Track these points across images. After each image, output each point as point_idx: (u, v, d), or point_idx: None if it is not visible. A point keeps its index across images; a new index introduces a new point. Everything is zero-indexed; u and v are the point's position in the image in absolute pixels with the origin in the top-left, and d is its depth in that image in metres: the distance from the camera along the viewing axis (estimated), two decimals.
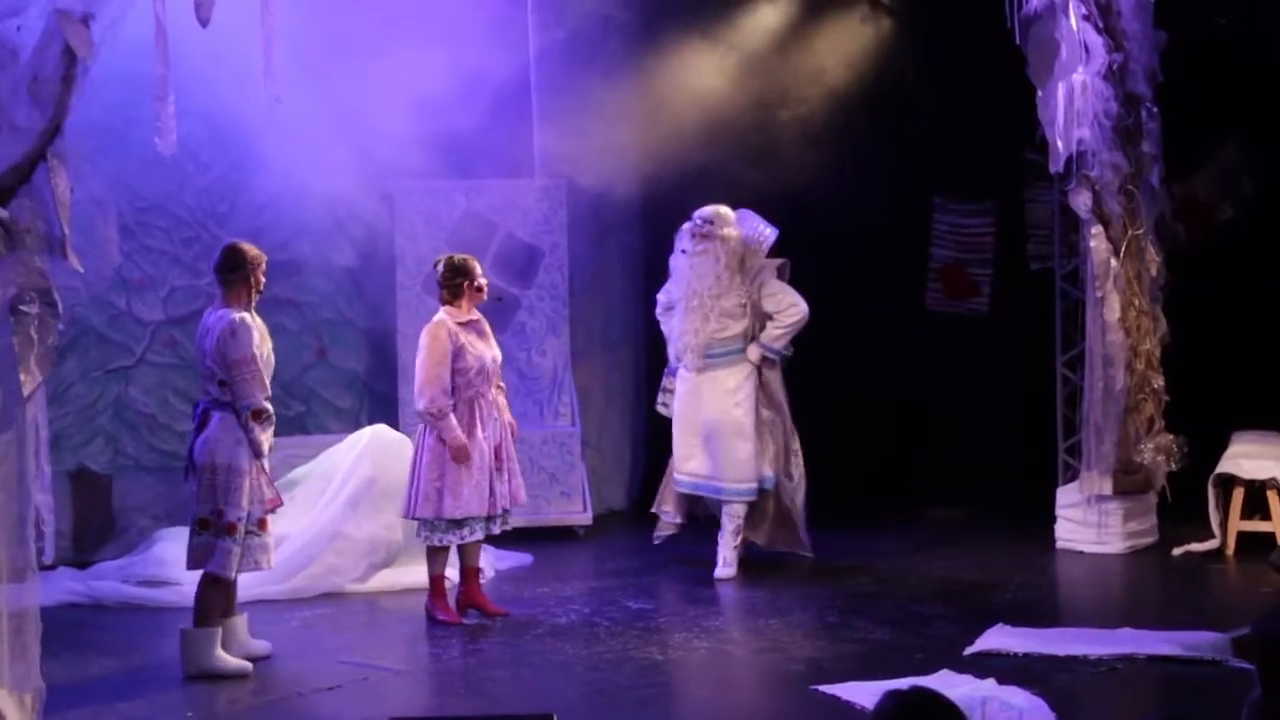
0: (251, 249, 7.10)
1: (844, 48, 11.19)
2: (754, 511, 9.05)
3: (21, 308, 4.98)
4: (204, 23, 5.25)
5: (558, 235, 10.74)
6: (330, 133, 9.59)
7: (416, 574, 8.55)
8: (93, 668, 6.99)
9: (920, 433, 11.84)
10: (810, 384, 11.39)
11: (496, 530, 8.08)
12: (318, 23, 8.95)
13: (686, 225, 9.08)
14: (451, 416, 7.77)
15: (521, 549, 9.78)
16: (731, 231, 8.97)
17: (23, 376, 5.04)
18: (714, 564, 8.90)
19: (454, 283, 7.98)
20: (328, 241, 10.36)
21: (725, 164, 10.70)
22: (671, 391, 9.22)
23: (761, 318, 9.03)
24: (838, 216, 11.34)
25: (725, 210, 9.05)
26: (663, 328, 9.35)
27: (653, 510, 9.35)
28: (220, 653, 6.85)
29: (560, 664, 7.13)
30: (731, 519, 8.93)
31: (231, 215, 10.20)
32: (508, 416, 8.17)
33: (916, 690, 3.39)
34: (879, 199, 11.38)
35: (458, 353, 7.83)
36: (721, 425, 8.91)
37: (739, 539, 8.95)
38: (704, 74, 10.77)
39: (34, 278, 4.98)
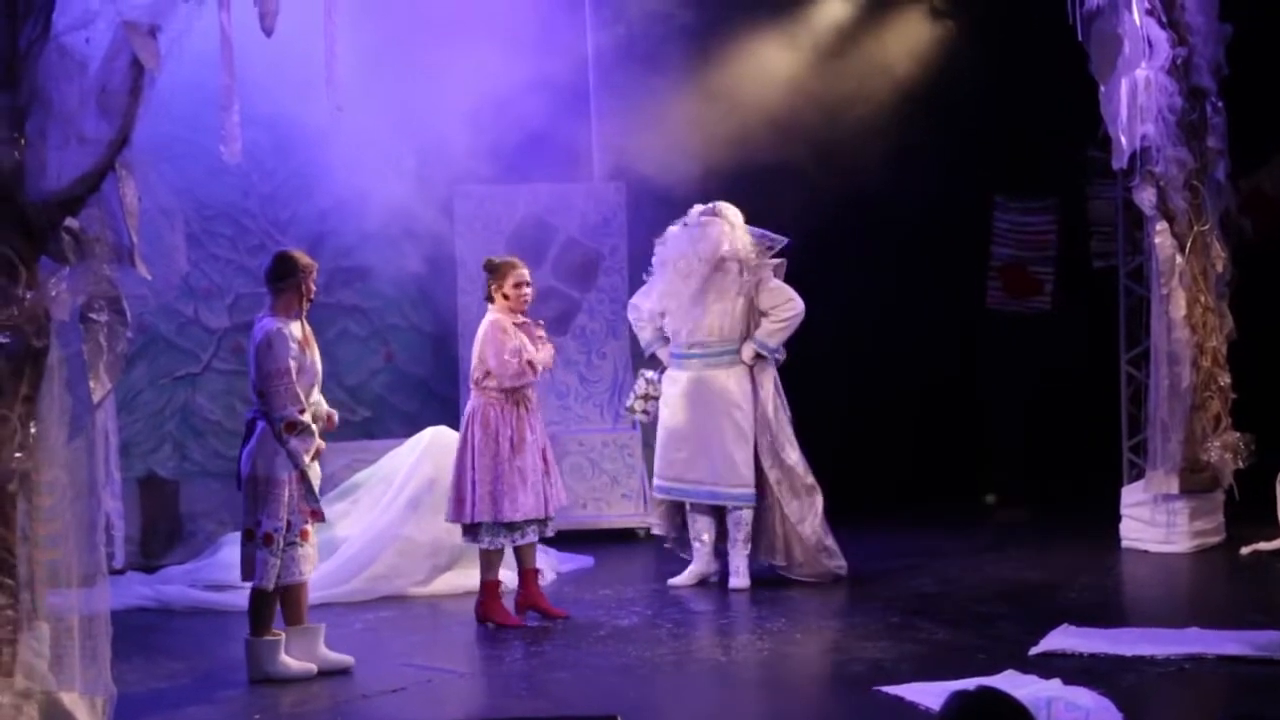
0: (303, 257, 7.07)
1: (904, 46, 11.16)
2: (764, 531, 8.78)
3: (91, 316, 5.05)
4: (268, 32, 5.30)
5: (617, 238, 10.76)
6: (391, 139, 9.67)
7: (473, 577, 8.61)
8: (161, 671, 7.06)
9: (983, 432, 11.78)
10: (872, 384, 11.39)
11: (550, 533, 8.09)
12: (378, 30, 9.03)
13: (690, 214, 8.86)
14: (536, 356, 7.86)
15: (583, 551, 9.82)
16: (737, 220, 8.76)
17: (92, 384, 5.11)
18: (727, 575, 8.72)
19: (488, 286, 8.06)
20: (392, 247, 10.44)
21: (785, 164, 10.69)
22: (653, 398, 8.91)
23: (758, 316, 8.78)
24: (898, 215, 11.31)
25: (736, 211, 8.84)
26: (638, 332, 9.11)
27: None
28: (283, 658, 6.89)
29: (623, 666, 7.14)
30: (740, 527, 8.69)
31: (294, 222, 10.32)
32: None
33: (984, 690, 3.37)
34: (939, 198, 11.33)
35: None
36: (722, 428, 8.67)
37: (749, 547, 8.71)
38: (763, 73, 10.77)
39: (103, 286, 5.04)
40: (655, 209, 11.03)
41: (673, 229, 8.94)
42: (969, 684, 3.51)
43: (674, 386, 8.81)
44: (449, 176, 10.35)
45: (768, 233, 8.92)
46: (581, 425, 10.63)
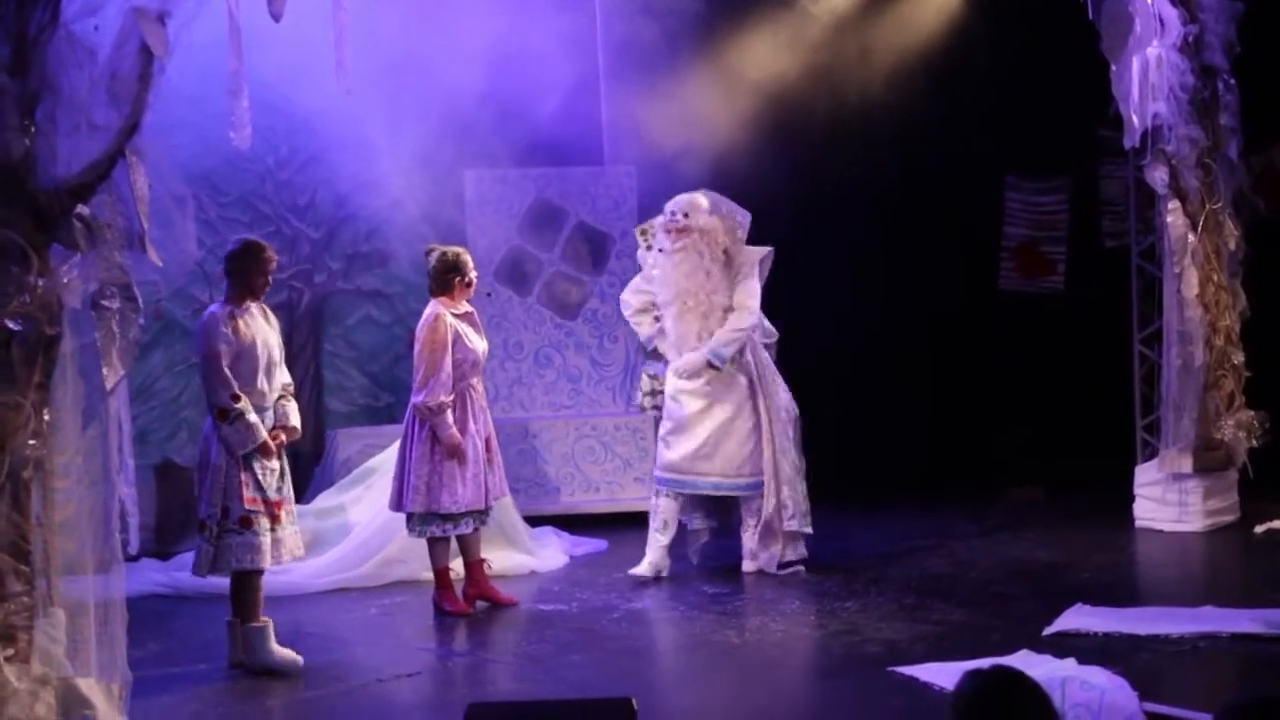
0: (255, 244, 7.01)
1: (915, 25, 11.10)
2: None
3: (103, 302, 5.06)
4: (276, 17, 5.30)
5: (628, 222, 10.74)
6: (405, 123, 9.67)
7: (492, 560, 8.65)
8: (176, 657, 7.09)
9: (997, 413, 11.77)
10: (884, 365, 11.38)
11: (490, 524, 8.04)
12: (388, 13, 9.03)
13: (658, 220, 8.69)
14: (449, 413, 7.76)
15: (596, 535, 9.83)
16: (709, 221, 8.55)
17: (105, 371, 5.12)
18: (740, 559, 8.65)
19: (445, 277, 7.97)
20: (410, 231, 10.44)
21: (797, 145, 10.67)
22: (659, 392, 8.76)
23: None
24: (910, 196, 11.29)
25: (699, 198, 8.66)
26: (635, 328, 8.98)
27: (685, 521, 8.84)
28: (272, 646, 6.86)
29: (638, 648, 7.15)
30: (753, 514, 8.57)
31: (312, 208, 10.36)
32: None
33: (998, 669, 3.36)
34: (951, 178, 11.30)
35: (455, 344, 7.83)
36: (731, 419, 8.53)
37: (759, 531, 8.56)
38: (774, 53, 10.72)
39: (115, 273, 5.05)
40: (667, 192, 11.03)
41: (648, 242, 8.73)
42: (983, 664, 3.50)
43: (679, 379, 8.68)
44: (461, 160, 10.34)
45: (733, 207, 8.70)
46: (594, 409, 10.63)
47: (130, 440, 5.45)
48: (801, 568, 8.57)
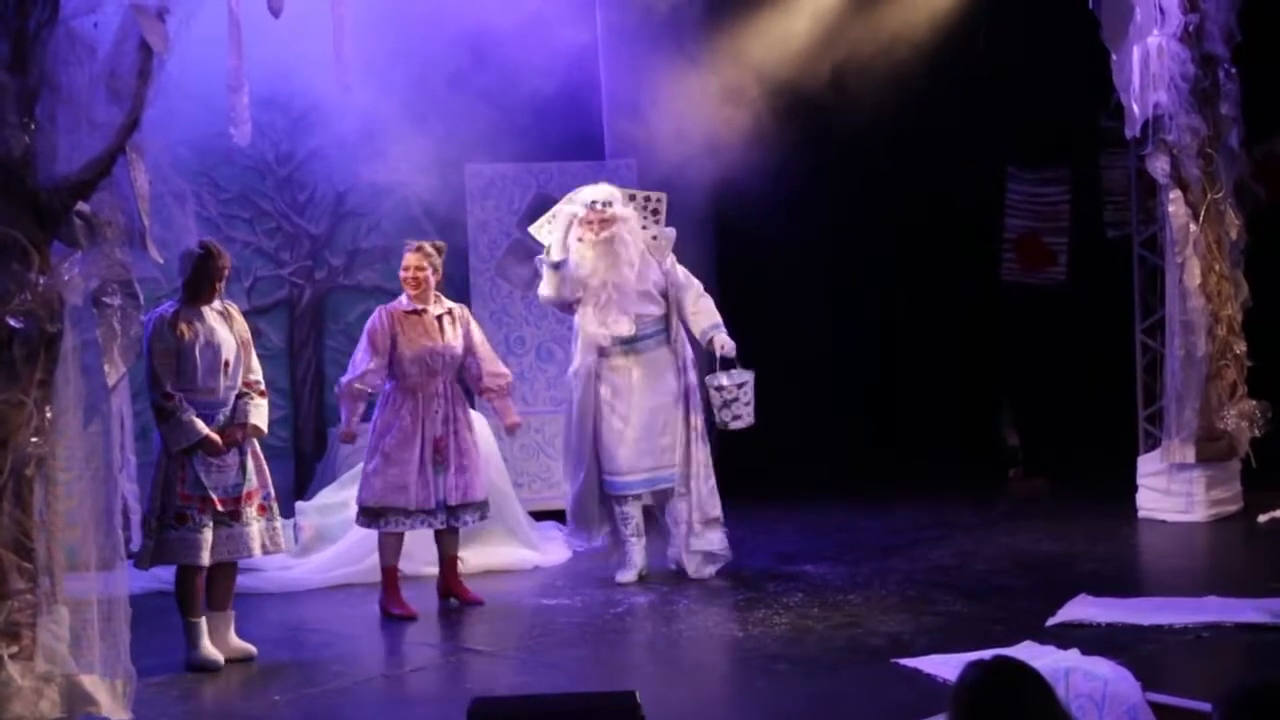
0: (208, 248, 6.92)
1: (915, 15, 11.08)
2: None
3: (104, 300, 5.07)
4: (275, 12, 5.30)
5: None
6: (404, 118, 9.66)
7: (493, 555, 8.66)
8: (179, 653, 7.08)
9: (999, 404, 11.76)
10: (886, 357, 11.38)
11: (438, 525, 7.88)
12: (387, 9, 9.01)
13: (567, 208, 8.45)
14: (351, 402, 7.84)
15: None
16: (628, 210, 8.43)
17: (107, 367, 5.13)
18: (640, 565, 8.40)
19: None
20: (411, 227, 10.43)
21: (796, 137, 10.65)
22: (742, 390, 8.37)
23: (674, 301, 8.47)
24: (910, 188, 11.28)
25: (614, 189, 8.52)
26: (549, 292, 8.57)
27: (579, 543, 8.75)
28: (202, 644, 6.85)
29: (641, 642, 7.15)
30: (682, 511, 8.36)
31: (312, 204, 10.36)
32: (511, 418, 8.08)
33: (1001, 660, 3.37)
34: (952, 169, 11.29)
35: (391, 341, 7.79)
36: (670, 410, 8.36)
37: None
38: (774, 44, 10.70)
39: (116, 270, 5.06)
40: (667, 187, 11.01)
41: (548, 230, 8.54)
42: (986, 655, 3.50)
43: (623, 377, 8.43)
44: (461, 155, 10.34)
45: (642, 193, 8.61)
46: None
47: (132, 436, 5.47)
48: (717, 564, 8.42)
